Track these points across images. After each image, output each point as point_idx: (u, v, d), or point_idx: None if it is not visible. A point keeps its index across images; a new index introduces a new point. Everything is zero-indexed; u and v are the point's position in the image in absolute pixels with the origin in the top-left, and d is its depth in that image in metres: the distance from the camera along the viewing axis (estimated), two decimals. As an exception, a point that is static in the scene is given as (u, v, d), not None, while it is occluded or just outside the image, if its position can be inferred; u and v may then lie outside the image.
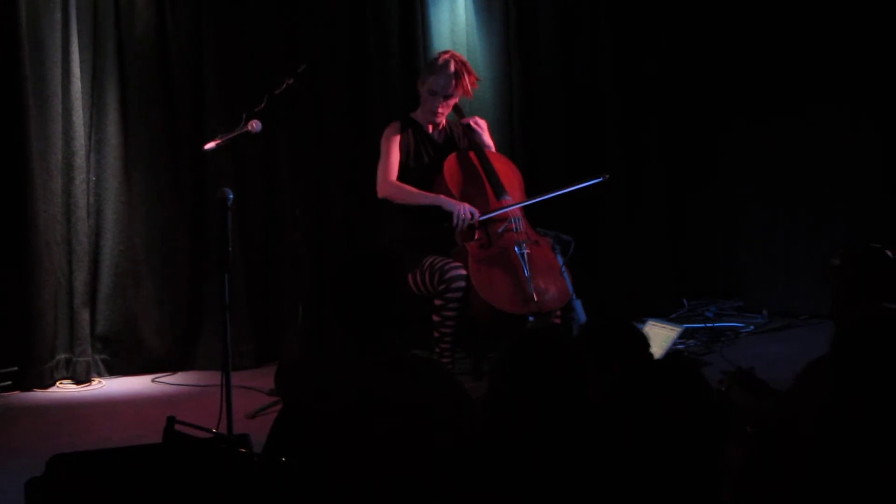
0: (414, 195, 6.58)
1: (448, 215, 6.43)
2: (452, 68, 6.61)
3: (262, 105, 6.44)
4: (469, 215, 6.39)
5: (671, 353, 6.74)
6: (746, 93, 8.51)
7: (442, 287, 6.26)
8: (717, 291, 8.81)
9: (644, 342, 3.98)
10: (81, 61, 7.20)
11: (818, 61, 8.05)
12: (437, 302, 6.31)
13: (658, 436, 2.82)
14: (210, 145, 6.32)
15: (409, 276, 6.37)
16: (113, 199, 7.36)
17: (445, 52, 6.79)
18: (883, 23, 7.78)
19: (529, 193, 6.84)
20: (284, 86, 6.54)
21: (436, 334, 6.34)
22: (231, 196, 5.31)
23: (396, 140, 6.68)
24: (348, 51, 7.88)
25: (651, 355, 4.01)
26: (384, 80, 7.92)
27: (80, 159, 7.20)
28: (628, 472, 2.84)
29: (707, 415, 2.83)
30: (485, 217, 6.46)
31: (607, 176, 6.70)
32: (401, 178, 6.66)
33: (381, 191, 6.66)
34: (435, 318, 6.33)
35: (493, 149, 6.94)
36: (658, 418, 2.82)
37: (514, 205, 6.58)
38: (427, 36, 8.00)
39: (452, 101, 6.72)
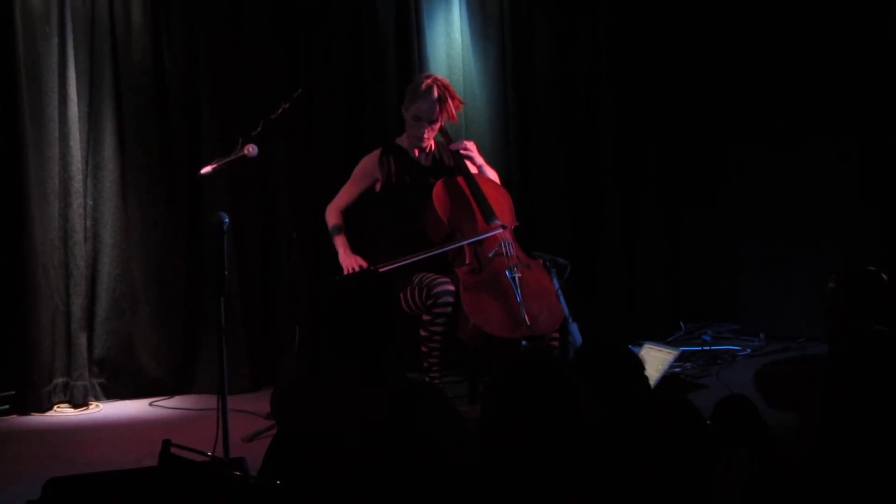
0: (331, 234, 6.80)
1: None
2: (436, 94, 6.60)
3: (259, 129, 6.46)
4: (357, 268, 6.50)
5: (666, 378, 6.74)
6: (747, 119, 8.50)
7: (430, 302, 6.26)
8: (714, 314, 8.80)
9: (639, 365, 3.99)
10: (78, 86, 7.22)
11: (818, 91, 8.05)
12: (426, 317, 6.32)
13: (649, 462, 2.83)
14: (206, 169, 6.35)
15: (401, 295, 6.38)
16: (110, 223, 7.37)
17: (427, 77, 6.78)
18: (882, 56, 7.81)
19: (517, 217, 6.86)
20: (280, 110, 6.57)
21: (423, 349, 6.35)
22: (227, 220, 5.32)
23: (362, 173, 6.81)
24: (344, 74, 7.90)
25: (646, 378, 4.02)
26: (380, 104, 7.92)
27: (77, 184, 7.21)
28: (620, 495, 2.85)
29: (695, 441, 2.86)
30: (385, 269, 6.36)
31: (506, 226, 6.64)
32: (384, 198, 6.75)
33: (326, 215, 6.87)
34: (423, 332, 6.34)
35: (486, 169, 6.94)
36: (649, 446, 2.85)
37: (410, 259, 6.45)
38: (423, 59, 8.00)
39: (437, 126, 6.71)
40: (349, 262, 6.56)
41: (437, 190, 6.63)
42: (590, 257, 8.39)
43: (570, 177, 8.45)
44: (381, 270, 6.33)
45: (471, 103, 8.01)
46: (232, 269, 6.93)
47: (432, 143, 6.80)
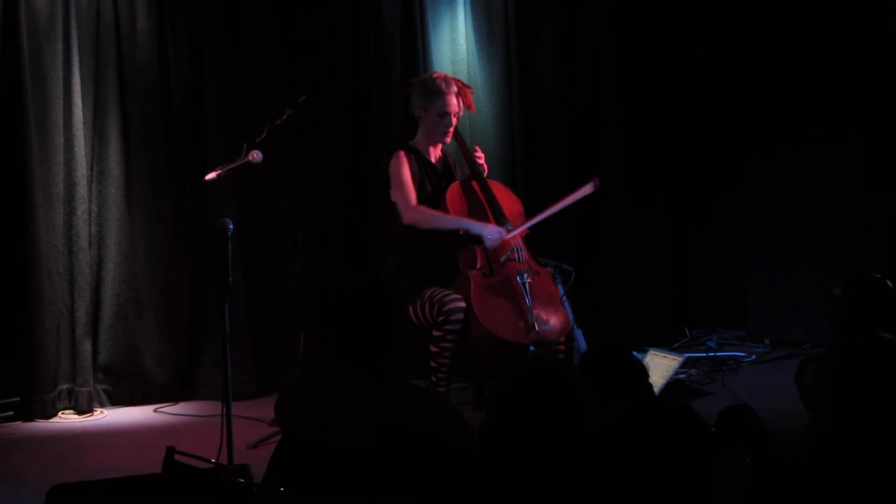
0: (438, 219, 6.52)
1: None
2: (455, 87, 6.66)
3: (263, 135, 6.46)
4: (498, 234, 6.44)
5: (671, 384, 6.73)
6: (750, 126, 8.50)
7: (441, 318, 6.24)
8: (718, 321, 8.80)
9: (643, 371, 3.98)
10: (83, 92, 7.23)
11: (821, 98, 8.04)
12: (436, 333, 6.29)
13: (652, 469, 2.83)
14: (211, 175, 6.34)
15: (410, 307, 6.36)
16: (114, 229, 7.37)
17: (435, 74, 6.83)
18: (886, 60, 7.80)
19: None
20: (285, 116, 6.57)
21: (433, 364, 6.32)
22: (231, 226, 5.30)
23: (407, 165, 6.58)
24: (349, 81, 7.91)
25: (650, 385, 4.01)
26: (385, 111, 7.93)
27: (81, 189, 7.22)
28: (624, 501, 2.85)
29: (698, 447, 2.86)
30: (514, 232, 6.47)
31: (597, 180, 6.70)
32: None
33: (407, 217, 6.55)
34: (433, 348, 6.32)
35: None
36: (652, 453, 2.85)
37: (529, 222, 6.56)
38: (428, 66, 8.00)
39: (456, 118, 6.74)
40: (489, 227, 6.48)
41: (451, 192, 6.62)
42: (594, 263, 8.38)
43: (575, 182, 8.41)
44: (509, 236, 6.47)
45: (476, 109, 8.00)
46: (236, 276, 6.90)
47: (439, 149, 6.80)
